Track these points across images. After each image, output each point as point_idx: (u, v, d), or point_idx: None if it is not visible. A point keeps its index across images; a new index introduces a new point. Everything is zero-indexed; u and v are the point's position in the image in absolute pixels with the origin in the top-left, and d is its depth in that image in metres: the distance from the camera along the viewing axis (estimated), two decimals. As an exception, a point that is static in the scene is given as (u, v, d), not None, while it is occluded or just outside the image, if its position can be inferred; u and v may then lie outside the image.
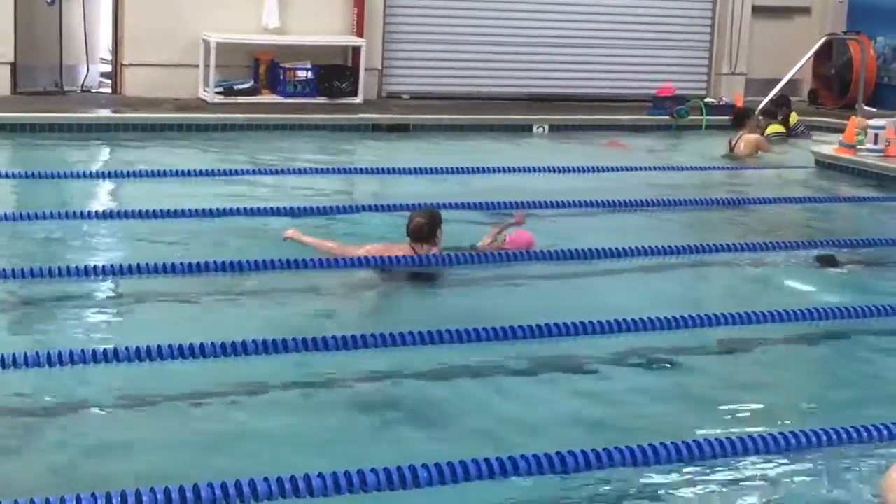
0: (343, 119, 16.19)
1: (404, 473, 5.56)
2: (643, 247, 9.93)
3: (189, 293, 8.63)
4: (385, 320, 8.36)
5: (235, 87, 16.80)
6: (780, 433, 6.27)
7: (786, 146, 16.22)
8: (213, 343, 7.10)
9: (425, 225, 9.22)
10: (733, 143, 15.16)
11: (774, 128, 16.53)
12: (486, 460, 5.71)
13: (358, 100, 17.17)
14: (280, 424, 6.49)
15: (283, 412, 6.67)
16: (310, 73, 17.06)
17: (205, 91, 16.75)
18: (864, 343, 8.24)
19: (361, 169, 13.85)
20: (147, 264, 8.75)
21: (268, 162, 13.72)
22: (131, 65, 16.80)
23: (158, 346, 7.01)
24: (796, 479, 6.02)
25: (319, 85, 17.07)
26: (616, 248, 9.82)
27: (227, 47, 16.70)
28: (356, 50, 17.43)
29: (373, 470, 5.54)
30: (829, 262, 9.67)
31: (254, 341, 7.16)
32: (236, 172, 12.88)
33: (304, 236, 9.54)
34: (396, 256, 9.21)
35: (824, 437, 6.28)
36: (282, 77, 16.98)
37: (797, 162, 15.08)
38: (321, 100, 16.97)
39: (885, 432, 6.29)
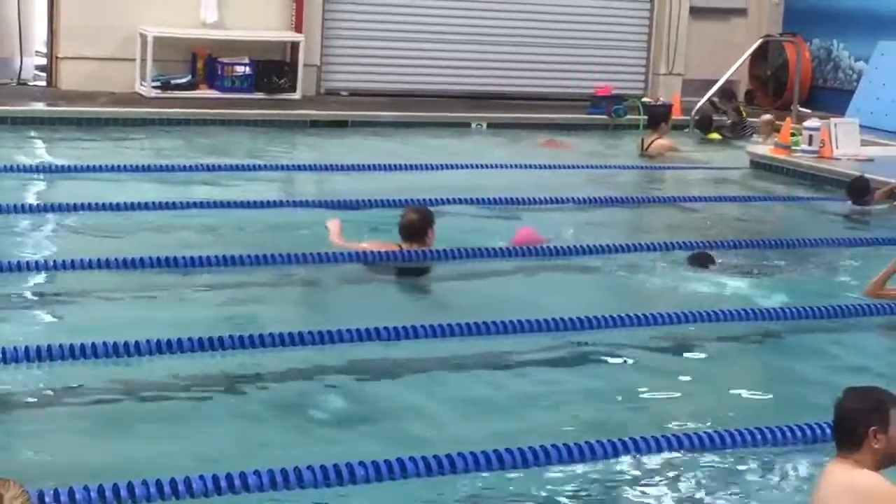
0: (281, 115, 16.13)
1: (341, 470, 5.55)
2: (578, 246, 9.97)
3: (123, 289, 8.55)
4: (322, 317, 8.35)
5: (172, 82, 16.68)
6: (712, 431, 6.33)
7: (724, 146, 16.34)
8: (148, 341, 7.06)
9: (417, 221, 9.12)
10: (646, 144, 15.24)
11: (712, 136, 16.68)
12: (424, 458, 5.71)
13: (296, 96, 17.10)
14: (213, 422, 6.45)
15: (214, 410, 6.62)
16: (248, 69, 16.97)
17: (142, 85, 16.62)
18: (793, 343, 8.31)
19: (299, 165, 13.80)
20: (80, 259, 8.68)
21: (204, 157, 13.62)
22: (67, 58, 16.64)
23: (93, 343, 6.95)
24: (724, 477, 6.04)
25: (257, 80, 16.98)
26: (552, 248, 9.85)
27: (165, 41, 16.58)
28: (295, 45, 17.36)
29: (309, 467, 5.53)
30: (701, 261, 9.64)
31: (179, 339, 7.12)
32: (173, 168, 12.78)
33: (338, 237, 9.47)
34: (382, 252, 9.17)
35: (748, 437, 6.34)
36: (219, 72, 16.88)
37: (733, 162, 15.19)
38: (259, 95, 16.89)
39: (818, 432, 6.32)
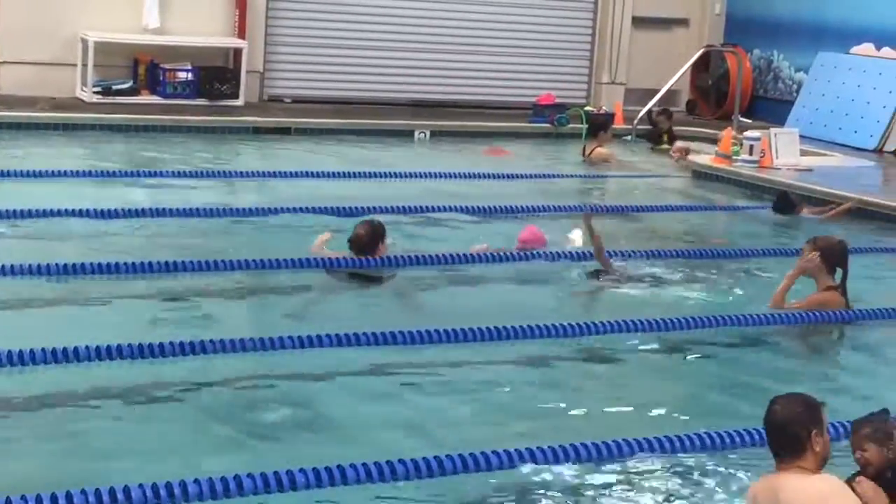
0: (224, 121, 16.06)
1: (281, 478, 5.53)
2: (517, 254, 9.99)
3: (61, 295, 8.49)
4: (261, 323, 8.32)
5: (114, 88, 16.57)
6: (657, 437, 6.36)
7: (666, 156, 16.42)
8: (87, 346, 7.01)
9: (364, 237, 9.11)
10: (587, 151, 15.32)
11: (663, 147, 16.76)
12: (364, 464, 5.70)
13: (239, 102, 17.04)
14: (152, 429, 6.41)
15: (154, 417, 6.59)
16: (190, 75, 16.89)
17: (82, 90, 16.50)
18: (728, 350, 8.36)
19: (241, 172, 13.75)
20: (20, 265, 8.61)
21: (146, 163, 13.55)
22: (6, 62, 16.48)
23: (31, 350, 6.90)
24: (669, 481, 6.08)
25: (200, 86, 16.90)
26: (494, 255, 9.87)
27: (106, 47, 16.46)
28: (237, 52, 17.30)
29: (249, 475, 5.50)
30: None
31: (119, 346, 7.08)
32: (113, 174, 12.70)
33: (319, 247, 9.48)
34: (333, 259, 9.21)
35: (693, 442, 6.39)
36: (161, 78, 16.79)
37: (675, 171, 15.29)
38: (201, 101, 16.81)
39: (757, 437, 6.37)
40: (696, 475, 6.14)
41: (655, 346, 8.23)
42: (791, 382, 7.21)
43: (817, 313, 8.67)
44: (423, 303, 9.13)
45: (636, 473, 6.14)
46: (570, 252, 10.08)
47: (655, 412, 7.11)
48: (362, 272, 9.22)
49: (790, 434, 5.15)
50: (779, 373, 7.86)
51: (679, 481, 6.09)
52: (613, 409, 7.21)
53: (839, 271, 8.76)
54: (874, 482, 5.38)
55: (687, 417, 7.07)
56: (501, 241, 10.35)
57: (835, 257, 8.70)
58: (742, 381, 7.70)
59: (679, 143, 16.21)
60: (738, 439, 6.43)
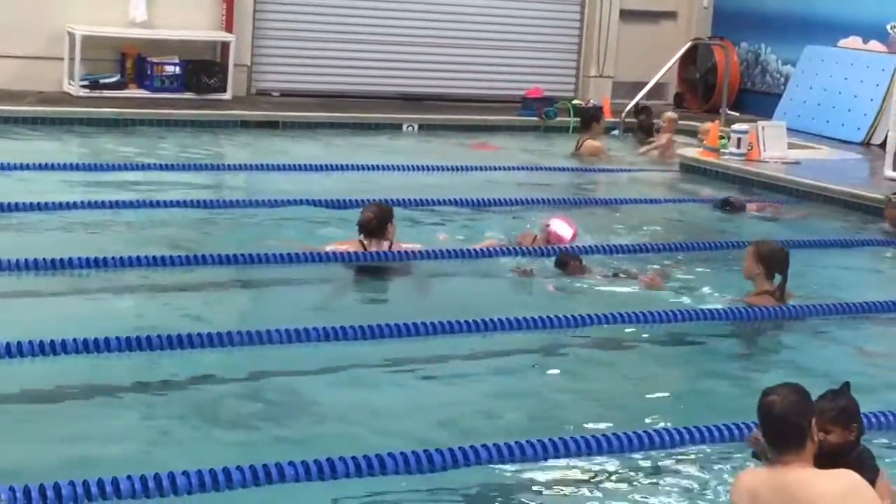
0: (211, 115, 16.03)
1: (270, 471, 5.53)
2: (516, 247, 9.99)
3: (50, 289, 8.49)
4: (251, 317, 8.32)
5: (101, 81, 16.52)
6: (639, 432, 6.36)
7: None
8: (74, 340, 7.00)
9: (374, 219, 9.21)
10: (579, 144, 15.35)
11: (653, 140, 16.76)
12: (354, 458, 5.70)
13: (227, 96, 17.01)
14: (141, 423, 6.40)
15: (143, 410, 6.57)
16: (177, 69, 16.85)
17: (69, 84, 16.46)
18: (715, 344, 8.38)
19: (229, 165, 13.74)
20: (7, 260, 8.57)
21: (133, 157, 13.53)
22: (-7, 56, 16.46)
23: (18, 342, 6.90)
24: (649, 477, 6.08)
25: (187, 80, 16.86)
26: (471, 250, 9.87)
27: (93, 40, 16.43)
28: (225, 45, 17.27)
29: (238, 468, 5.50)
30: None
31: (107, 338, 7.08)
32: (101, 167, 12.68)
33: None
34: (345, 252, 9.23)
35: (676, 437, 6.38)
36: (149, 72, 16.75)
37: (663, 165, 15.30)
38: (189, 95, 16.77)
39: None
40: (670, 471, 6.14)
41: (644, 338, 8.25)
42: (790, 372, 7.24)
43: (750, 309, 8.62)
44: (425, 295, 9.12)
45: (628, 468, 6.15)
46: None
47: (649, 406, 7.13)
48: (371, 264, 9.27)
49: (793, 425, 4.99)
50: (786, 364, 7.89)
51: (656, 478, 6.09)
52: (605, 403, 7.22)
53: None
54: (831, 463, 5.33)
55: (673, 411, 7.08)
56: (493, 234, 10.39)
57: (774, 263, 8.63)
58: (733, 375, 7.72)
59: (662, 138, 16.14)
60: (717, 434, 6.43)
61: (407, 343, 7.73)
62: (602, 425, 6.54)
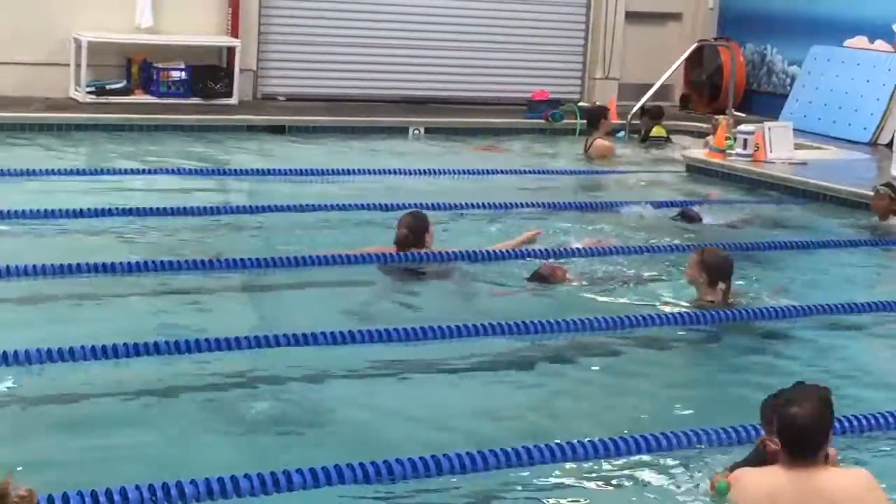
0: (218, 120, 16.05)
1: (278, 478, 5.53)
2: (526, 250, 9.98)
3: (58, 295, 8.49)
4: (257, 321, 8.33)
5: (107, 87, 16.55)
6: (625, 437, 6.31)
7: (664, 150, 16.42)
8: (82, 346, 7.01)
9: (409, 234, 9.25)
10: (588, 144, 15.35)
11: (658, 130, 16.74)
12: (362, 464, 5.70)
13: (233, 101, 17.03)
14: (147, 429, 6.39)
15: (148, 417, 6.57)
16: (183, 74, 16.88)
17: (76, 91, 16.49)
18: (725, 345, 8.36)
19: (236, 170, 13.76)
20: (15, 266, 8.60)
21: (140, 163, 13.55)
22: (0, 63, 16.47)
23: (26, 350, 6.90)
24: (630, 483, 6.05)
25: (193, 85, 16.89)
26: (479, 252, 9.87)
27: (99, 46, 16.46)
28: (231, 50, 17.29)
29: (246, 475, 5.50)
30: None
31: (115, 345, 7.07)
32: (108, 173, 12.70)
33: None
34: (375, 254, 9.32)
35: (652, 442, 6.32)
36: (155, 77, 16.77)
37: (669, 166, 15.29)
38: (195, 100, 16.79)
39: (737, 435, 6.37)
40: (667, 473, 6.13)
41: (633, 343, 8.24)
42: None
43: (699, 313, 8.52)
44: (447, 299, 9.10)
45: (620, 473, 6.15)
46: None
47: (646, 409, 7.12)
48: (410, 266, 9.33)
49: (818, 434, 5.03)
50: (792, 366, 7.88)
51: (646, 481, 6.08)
52: (604, 407, 7.22)
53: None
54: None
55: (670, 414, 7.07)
56: (499, 237, 10.39)
57: (718, 271, 8.52)
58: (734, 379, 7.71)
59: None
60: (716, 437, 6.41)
61: (417, 347, 7.73)
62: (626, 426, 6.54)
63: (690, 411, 7.08)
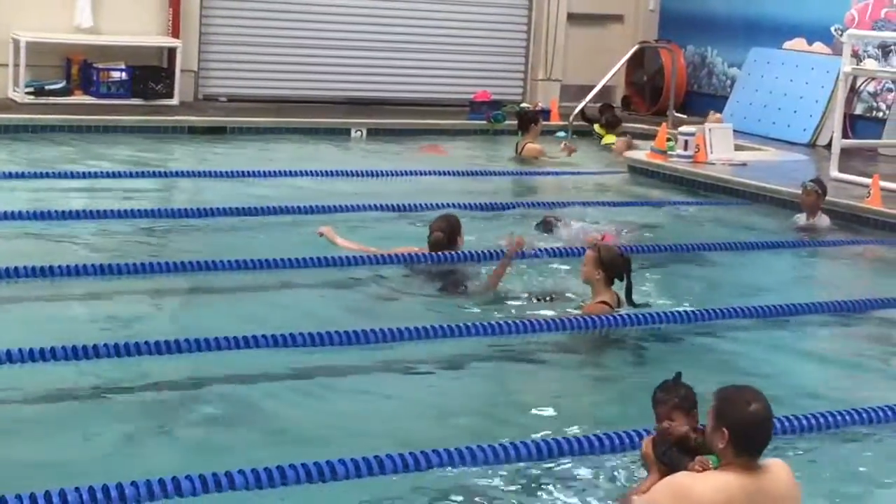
0: (158, 121, 15.95)
1: (220, 479, 5.50)
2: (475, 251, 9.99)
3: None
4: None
5: (46, 88, 16.42)
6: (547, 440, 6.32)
7: (601, 151, 16.50)
8: (20, 349, 6.94)
9: (444, 238, 9.31)
10: (520, 147, 15.38)
11: (610, 138, 16.82)
12: (304, 465, 5.69)
13: (174, 102, 16.93)
14: (89, 431, 6.36)
15: (90, 420, 6.53)
16: (124, 74, 16.76)
17: (14, 91, 16.33)
18: (663, 346, 8.40)
19: (177, 172, 13.67)
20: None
21: (80, 164, 13.43)
22: (-64, 63, 16.31)
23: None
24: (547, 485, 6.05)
25: (134, 86, 16.78)
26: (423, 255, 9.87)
27: (38, 47, 16.31)
28: (172, 51, 17.19)
29: (188, 477, 5.47)
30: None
31: (52, 348, 7.01)
32: (47, 175, 12.58)
33: (336, 237, 9.60)
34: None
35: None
36: (95, 78, 16.65)
37: (611, 167, 15.35)
38: (136, 101, 16.69)
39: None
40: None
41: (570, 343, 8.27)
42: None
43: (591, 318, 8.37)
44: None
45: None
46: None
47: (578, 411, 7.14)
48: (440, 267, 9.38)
49: (769, 430, 5.06)
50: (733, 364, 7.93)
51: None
52: (550, 407, 7.24)
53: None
54: (675, 450, 5.37)
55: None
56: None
57: (614, 269, 8.34)
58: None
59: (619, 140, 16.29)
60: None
61: (356, 349, 7.73)
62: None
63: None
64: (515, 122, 16.78)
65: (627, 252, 8.70)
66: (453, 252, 9.44)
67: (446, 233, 9.31)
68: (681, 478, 5.12)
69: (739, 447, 5.02)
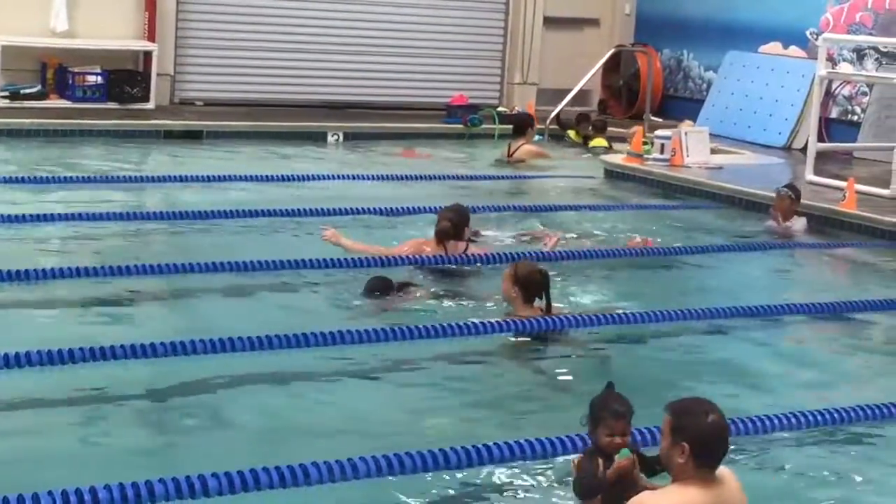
0: (134, 125, 15.93)
1: (193, 483, 5.50)
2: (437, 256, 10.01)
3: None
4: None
5: (22, 92, 16.36)
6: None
7: (581, 156, 16.52)
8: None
9: (450, 228, 9.44)
10: (512, 150, 15.39)
11: (598, 141, 16.84)
12: (278, 468, 5.68)
13: (150, 105, 16.90)
14: (64, 435, 6.35)
15: (65, 424, 6.52)
16: (100, 78, 16.72)
17: (-11, 95, 16.30)
18: (645, 349, 8.44)
19: (152, 177, 13.64)
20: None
21: (55, 169, 13.38)
22: (-89, 67, 16.25)
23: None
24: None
25: (110, 90, 16.74)
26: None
27: (13, 50, 16.27)
28: (147, 55, 17.16)
29: (161, 480, 5.46)
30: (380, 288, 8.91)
31: (28, 352, 6.99)
32: (23, 180, 12.54)
33: (342, 238, 9.62)
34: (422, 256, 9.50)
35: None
36: (71, 82, 16.61)
37: (588, 171, 15.37)
38: (112, 105, 16.65)
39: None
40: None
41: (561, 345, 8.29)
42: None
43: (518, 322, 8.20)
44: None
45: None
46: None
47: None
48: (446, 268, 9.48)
49: (727, 441, 4.98)
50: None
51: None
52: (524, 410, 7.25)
53: None
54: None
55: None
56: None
57: (531, 285, 8.14)
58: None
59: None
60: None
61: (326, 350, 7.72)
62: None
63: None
64: (492, 126, 16.84)
65: (545, 269, 8.41)
66: (453, 254, 9.54)
67: (454, 222, 9.49)
68: (646, 497, 5.03)
69: (700, 461, 4.91)
